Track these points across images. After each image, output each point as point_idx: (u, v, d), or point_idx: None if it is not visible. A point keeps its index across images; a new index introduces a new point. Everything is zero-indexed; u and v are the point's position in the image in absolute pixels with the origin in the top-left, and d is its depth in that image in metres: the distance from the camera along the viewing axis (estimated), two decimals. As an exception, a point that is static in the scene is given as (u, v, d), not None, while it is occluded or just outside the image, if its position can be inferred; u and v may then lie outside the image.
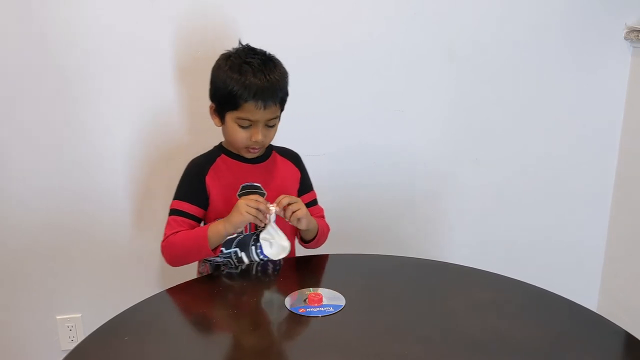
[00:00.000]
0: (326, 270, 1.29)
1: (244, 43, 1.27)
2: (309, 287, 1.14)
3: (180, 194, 1.27)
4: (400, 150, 1.75)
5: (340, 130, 1.71)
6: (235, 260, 1.29)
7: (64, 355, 0.94)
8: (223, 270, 1.28)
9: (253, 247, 1.28)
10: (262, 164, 1.30)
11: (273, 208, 1.19)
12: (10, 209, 1.62)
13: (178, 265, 1.26)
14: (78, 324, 1.74)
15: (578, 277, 1.90)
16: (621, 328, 1.02)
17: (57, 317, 1.73)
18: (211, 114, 1.28)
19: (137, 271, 1.72)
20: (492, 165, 1.81)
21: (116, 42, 1.54)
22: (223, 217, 1.22)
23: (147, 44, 1.56)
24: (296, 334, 1.03)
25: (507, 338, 0.99)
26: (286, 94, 1.25)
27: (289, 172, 1.35)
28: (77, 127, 1.59)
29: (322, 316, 1.04)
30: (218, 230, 1.19)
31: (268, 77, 1.19)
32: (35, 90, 1.54)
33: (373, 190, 1.77)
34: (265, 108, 1.19)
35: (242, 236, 1.28)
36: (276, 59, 1.25)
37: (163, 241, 1.24)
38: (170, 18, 1.55)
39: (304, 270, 1.24)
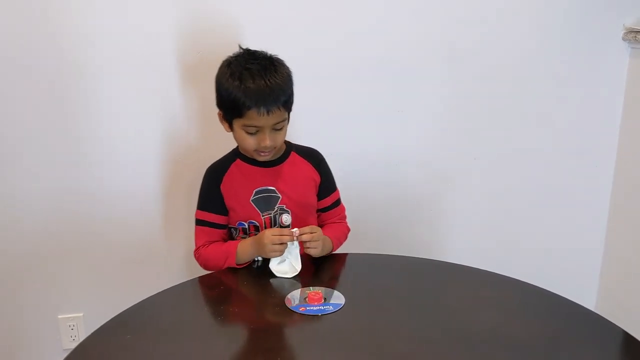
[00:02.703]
0: (326, 269, 1.29)
1: (245, 44, 1.27)
2: (309, 286, 1.15)
3: (201, 204, 1.32)
4: (399, 150, 1.76)
5: (339, 131, 1.71)
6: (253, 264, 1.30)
7: (66, 354, 0.95)
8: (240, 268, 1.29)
9: None
10: (277, 166, 1.30)
11: (296, 231, 1.21)
12: (13, 209, 1.63)
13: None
14: (79, 323, 1.74)
15: (576, 277, 1.90)
16: (619, 327, 1.03)
17: (59, 317, 1.74)
18: (220, 120, 1.28)
19: (138, 271, 1.72)
20: (491, 165, 1.81)
21: (131, 44, 1.55)
22: (241, 220, 1.28)
23: (162, 46, 1.57)
24: (296, 332, 1.04)
25: (507, 337, 0.99)
26: (290, 96, 1.23)
27: (307, 174, 1.34)
28: (84, 128, 1.60)
29: (321, 315, 1.05)
30: (246, 252, 1.24)
31: (269, 82, 1.17)
32: (45, 91, 1.55)
33: (372, 190, 1.78)
34: (268, 114, 1.18)
35: None
36: (277, 61, 1.23)
37: (195, 251, 1.31)
38: (180, 19, 1.55)
39: (304, 269, 1.25)
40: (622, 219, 1.85)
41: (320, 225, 1.33)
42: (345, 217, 1.41)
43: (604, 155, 1.84)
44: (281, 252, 1.20)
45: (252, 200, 1.28)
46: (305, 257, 1.25)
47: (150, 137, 1.64)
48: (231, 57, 1.24)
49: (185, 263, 1.74)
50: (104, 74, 1.57)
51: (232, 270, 1.27)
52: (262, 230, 1.28)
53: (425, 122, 1.75)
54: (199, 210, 1.31)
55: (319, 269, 1.27)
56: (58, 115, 1.58)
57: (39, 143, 1.59)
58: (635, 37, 1.67)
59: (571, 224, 1.89)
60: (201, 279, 1.24)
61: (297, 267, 1.21)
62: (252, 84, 1.17)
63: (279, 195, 1.29)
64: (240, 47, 1.26)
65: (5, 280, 1.69)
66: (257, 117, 1.18)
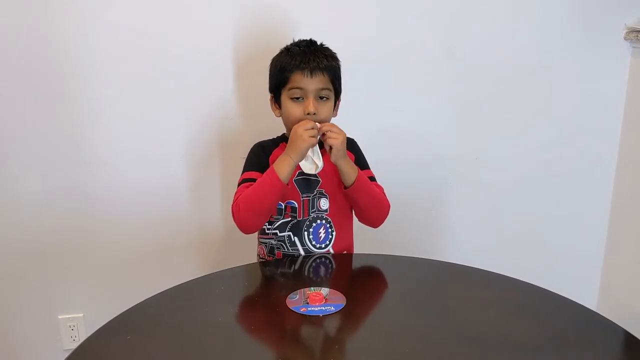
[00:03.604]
0: (327, 269, 1.29)
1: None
2: (311, 286, 1.15)
3: (247, 167, 1.33)
4: (399, 150, 1.76)
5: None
6: (289, 245, 1.32)
7: (66, 355, 0.95)
8: (279, 257, 1.32)
9: (306, 233, 1.31)
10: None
11: (317, 124, 1.25)
12: (13, 209, 1.63)
13: (249, 225, 1.26)
14: (80, 323, 1.74)
15: (578, 276, 1.91)
16: (620, 327, 1.02)
17: (59, 317, 1.74)
18: (271, 105, 1.35)
19: (138, 271, 1.72)
20: (492, 165, 1.81)
21: (131, 44, 1.56)
22: (280, 200, 1.28)
23: (162, 46, 1.57)
24: (297, 333, 1.04)
25: (508, 337, 0.99)
26: (335, 72, 1.29)
27: None
28: (84, 129, 1.61)
29: (323, 315, 1.05)
30: (283, 165, 1.23)
31: (314, 53, 1.26)
32: (44, 90, 1.56)
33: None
34: (312, 76, 1.24)
35: (295, 220, 1.31)
36: (326, 46, 1.32)
37: (233, 205, 1.25)
38: (180, 18, 1.56)
39: (305, 270, 1.25)
40: (623, 219, 1.85)
41: None
42: (384, 193, 1.40)
43: (605, 155, 1.84)
44: (316, 138, 1.23)
45: (294, 180, 1.31)
46: (305, 258, 1.24)
47: (150, 137, 1.64)
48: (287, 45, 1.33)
49: (186, 263, 1.74)
50: (104, 74, 1.57)
51: (233, 269, 1.27)
52: (299, 212, 1.30)
53: (426, 122, 1.75)
54: (245, 172, 1.31)
55: (320, 269, 1.27)
56: (57, 116, 1.58)
57: (39, 143, 1.59)
58: (637, 36, 1.67)
59: (572, 224, 1.89)
60: (201, 279, 1.24)
61: (319, 163, 1.25)
62: (298, 53, 1.27)
63: (319, 179, 1.32)
64: (294, 40, 1.34)
65: (5, 280, 1.69)
66: (301, 79, 1.24)
